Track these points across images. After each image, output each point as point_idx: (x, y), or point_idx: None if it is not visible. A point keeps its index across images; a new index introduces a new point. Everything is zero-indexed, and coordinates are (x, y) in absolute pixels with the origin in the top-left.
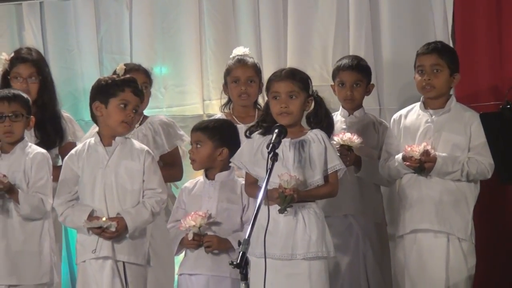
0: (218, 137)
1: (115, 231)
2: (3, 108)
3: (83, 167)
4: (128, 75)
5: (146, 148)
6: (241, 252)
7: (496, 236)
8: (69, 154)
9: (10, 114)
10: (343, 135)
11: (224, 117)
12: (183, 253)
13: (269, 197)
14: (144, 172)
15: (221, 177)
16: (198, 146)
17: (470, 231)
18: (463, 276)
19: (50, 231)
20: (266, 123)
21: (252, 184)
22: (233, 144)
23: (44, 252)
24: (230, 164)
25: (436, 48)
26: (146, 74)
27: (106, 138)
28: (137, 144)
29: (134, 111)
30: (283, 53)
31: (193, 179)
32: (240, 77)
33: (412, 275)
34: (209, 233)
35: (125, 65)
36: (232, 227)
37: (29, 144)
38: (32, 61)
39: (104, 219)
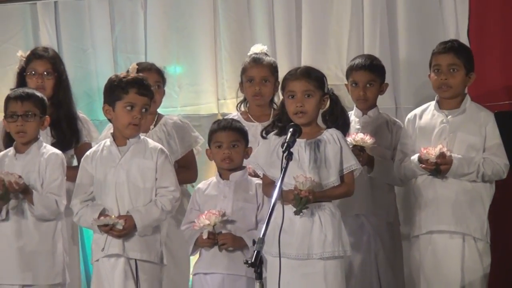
0: (246, 136)
1: (122, 229)
2: (15, 108)
3: (97, 167)
4: (133, 76)
5: (160, 146)
6: (255, 251)
7: (510, 235)
8: (84, 155)
9: (22, 114)
10: (356, 136)
11: (239, 115)
12: (198, 254)
13: (284, 199)
14: (157, 170)
15: (235, 177)
16: (236, 146)
17: (485, 231)
18: (478, 275)
19: (63, 232)
20: (281, 123)
21: (269, 185)
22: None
23: (57, 253)
24: (244, 164)
25: (453, 47)
26: (159, 73)
27: (119, 138)
28: (151, 142)
29: (144, 110)
30: (297, 52)
31: (206, 180)
32: (255, 77)
33: (428, 275)
34: (224, 231)
35: (137, 64)
36: (247, 226)
37: (44, 144)
38: (47, 58)
39: (112, 217)
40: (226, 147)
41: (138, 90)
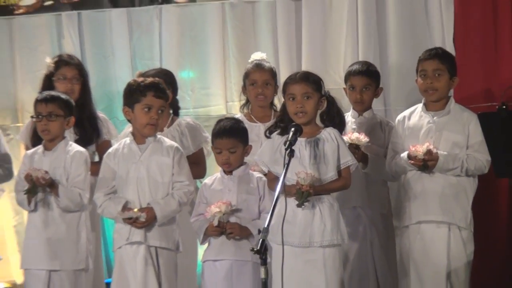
0: (244, 137)
1: (144, 221)
2: (40, 109)
3: (119, 163)
4: (150, 80)
5: (175, 144)
6: (261, 240)
7: (492, 224)
8: (107, 153)
9: (46, 114)
10: (352, 135)
11: (243, 117)
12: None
13: (287, 193)
14: (173, 166)
15: (238, 172)
16: (234, 152)
17: (469, 221)
18: (463, 261)
19: (86, 222)
20: (283, 123)
21: (273, 180)
22: (248, 139)
23: (81, 241)
24: (247, 161)
25: (437, 54)
26: (166, 80)
27: (139, 137)
28: (167, 141)
29: (160, 111)
30: (298, 58)
31: (211, 175)
32: (257, 80)
33: (417, 262)
34: (232, 220)
35: (143, 72)
36: (251, 216)
37: (70, 142)
38: (75, 65)
39: (135, 210)
40: (225, 153)
41: (155, 93)
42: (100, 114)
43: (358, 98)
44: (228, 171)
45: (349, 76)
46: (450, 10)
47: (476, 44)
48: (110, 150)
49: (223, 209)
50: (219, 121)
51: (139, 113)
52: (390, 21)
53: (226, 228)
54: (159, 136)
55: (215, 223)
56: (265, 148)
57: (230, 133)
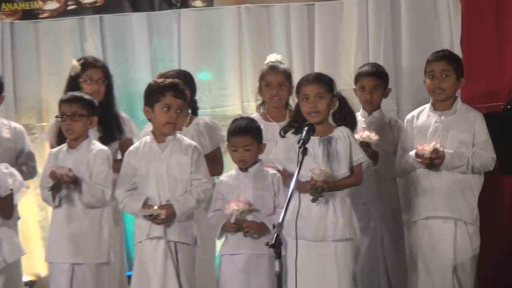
0: (259, 135)
1: (164, 218)
2: (64, 109)
3: (140, 161)
4: (169, 81)
5: (194, 144)
6: (275, 234)
7: (497, 220)
8: (128, 150)
9: (70, 114)
10: (363, 133)
11: (258, 117)
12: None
13: (301, 189)
14: (192, 165)
15: (254, 169)
16: (249, 149)
17: (475, 216)
18: (469, 255)
19: (108, 218)
20: (297, 123)
21: (288, 178)
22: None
23: (103, 236)
24: (262, 158)
25: (444, 56)
26: (184, 81)
27: (159, 136)
28: (186, 140)
29: (179, 110)
30: (310, 60)
31: (227, 172)
32: (272, 82)
33: (425, 256)
34: (248, 219)
35: (163, 73)
36: (267, 211)
37: (93, 141)
38: (100, 67)
39: (155, 207)
40: (240, 150)
41: (174, 93)
42: (123, 113)
43: (368, 98)
44: (243, 168)
45: (359, 77)
46: (458, 15)
47: (482, 47)
48: (131, 148)
49: (241, 207)
50: (235, 120)
51: (159, 112)
52: (402, 25)
53: (243, 226)
54: (178, 135)
55: (232, 220)
56: (280, 147)
57: (245, 132)
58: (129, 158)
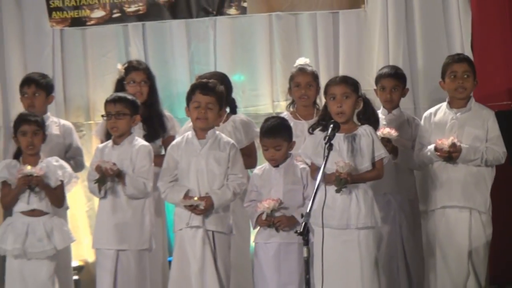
0: (289, 135)
1: (203, 209)
2: (110, 108)
3: (182, 155)
4: (199, 80)
5: (232, 141)
6: (303, 223)
7: (508, 209)
8: (171, 145)
9: (115, 113)
10: (384, 130)
11: (288, 115)
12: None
13: (327, 180)
14: (229, 160)
15: (284, 165)
16: (279, 149)
17: (488, 206)
18: (482, 242)
19: (150, 208)
20: (325, 121)
21: (315, 171)
22: (292, 136)
23: (145, 224)
24: (291, 152)
25: (465, 58)
26: (221, 81)
27: (199, 133)
28: (225, 138)
29: (209, 107)
30: (335, 63)
31: (260, 166)
32: (301, 82)
33: (442, 242)
34: (278, 214)
35: (201, 75)
36: (296, 204)
37: (136, 138)
38: (143, 69)
39: (195, 198)
40: (271, 150)
41: (201, 91)
42: (166, 112)
43: (387, 98)
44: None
45: (379, 78)
46: (467, 22)
47: (492, 50)
48: (173, 142)
49: (271, 206)
50: (266, 120)
51: (192, 109)
52: (417, 32)
53: (274, 222)
54: (217, 132)
55: (264, 217)
56: (308, 143)
57: (275, 133)
58: (172, 152)
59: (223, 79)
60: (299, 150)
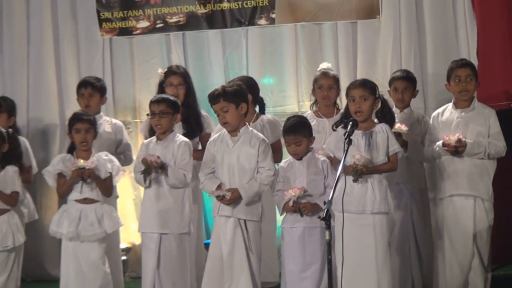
0: (308, 131)
1: (229, 199)
2: (154, 108)
3: (217, 150)
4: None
5: (262, 137)
6: (325, 209)
7: (508, 197)
8: (210, 140)
9: (158, 112)
10: (395, 125)
11: (312, 114)
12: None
13: (347, 171)
14: (259, 155)
15: (306, 158)
16: (299, 144)
17: (490, 194)
18: (485, 226)
19: (189, 196)
20: (346, 119)
21: (337, 163)
22: (311, 132)
23: (185, 211)
24: (312, 147)
25: (468, 63)
26: (246, 84)
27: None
28: (256, 133)
29: (224, 112)
30: (354, 67)
31: (285, 159)
32: (323, 84)
33: (449, 227)
34: (303, 201)
35: (230, 80)
36: (318, 192)
37: (177, 134)
38: (179, 73)
39: (224, 190)
40: (292, 146)
41: (211, 101)
42: (203, 112)
43: (399, 98)
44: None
45: (392, 80)
46: (473, 30)
47: (494, 57)
48: (211, 138)
49: (297, 193)
50: (288, 119)
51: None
52: (427, 40)
53: (299, 208)
54: (250, 129)
55: (290, 204)
56: (331, 139)
57: (295, 130)
58: (210, 147)
59: (249, 82)
60: (322, 144)
